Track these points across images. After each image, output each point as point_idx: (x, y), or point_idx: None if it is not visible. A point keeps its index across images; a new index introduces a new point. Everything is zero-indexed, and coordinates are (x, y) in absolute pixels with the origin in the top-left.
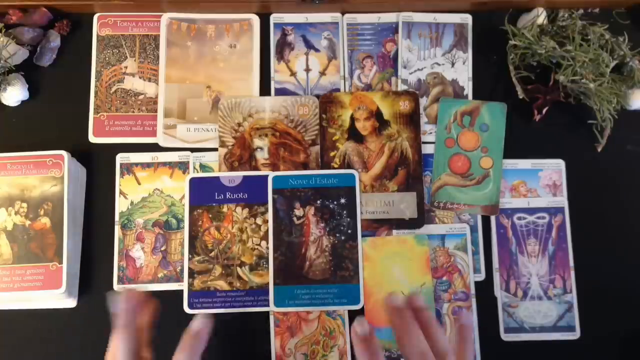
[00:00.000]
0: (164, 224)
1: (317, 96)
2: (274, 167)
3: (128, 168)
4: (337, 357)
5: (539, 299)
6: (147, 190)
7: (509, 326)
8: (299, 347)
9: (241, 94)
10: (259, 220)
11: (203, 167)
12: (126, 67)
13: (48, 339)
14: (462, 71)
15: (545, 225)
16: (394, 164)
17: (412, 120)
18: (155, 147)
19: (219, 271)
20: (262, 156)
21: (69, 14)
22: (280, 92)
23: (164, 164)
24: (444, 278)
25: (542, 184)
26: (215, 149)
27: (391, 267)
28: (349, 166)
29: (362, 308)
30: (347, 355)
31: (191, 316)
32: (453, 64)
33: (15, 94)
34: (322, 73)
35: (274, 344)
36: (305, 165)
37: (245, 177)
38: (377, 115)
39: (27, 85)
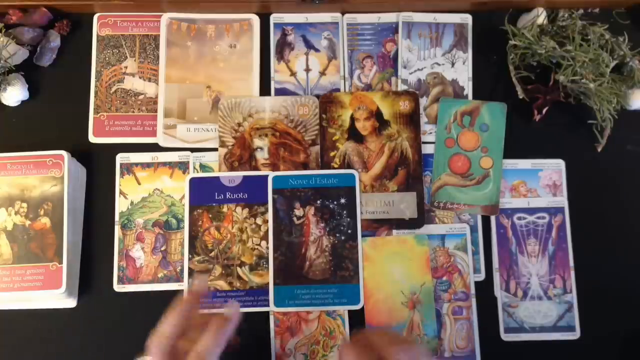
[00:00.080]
0: (164, 224)
1: (317, 96)
2: (274, 167)
3: (128, 168)
4: (337, 357)
5: (539, 299)
6: (147, 190)
7: (509, 326)
8: (299, 347)
9: (241, 94)
10: (259, 220)
11: (203, 167)
12: (126, 67)
13: (48, 339)
14: (462, 71)
15: (545, 225)
16: (394, 164)
17: (412, 120)
18: (155, 147)
19: (219, 271)
20: (262, 156)
21: (69, 14)
22: (280, 92)
23: (164, 164)
24: (444, 278)
25: (542, 184)
26: (215, 149)
27: (391, 267)
28: (349, 166)
29: (362, 308)
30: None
31: None
32: (453, 64)
33: (15, 94)
34: (322, 73)
35: (274, 344)
36: (305, 165)
37: (245, 177)
38: (377, 115)
39: (27, 85)
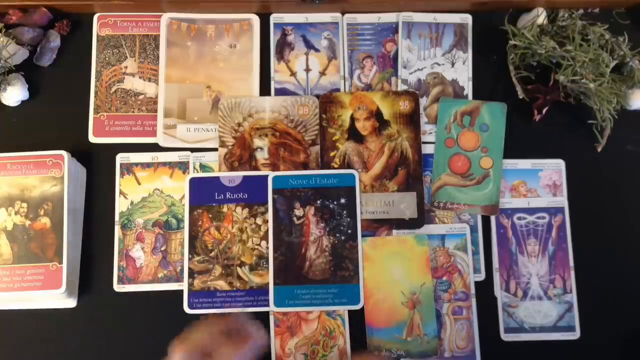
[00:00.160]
0: (164, 224)
1: (317, 96)
2: (274, 167)
3: (128, 168)
4: (337, 357)
5: (539, 299)
6: (147, 190)
7: (509, 326)
8: (299, 347)
9: (241, 94)
10: (259, 220)
11: (203, 167)
12: (126, 67)
13: (48, 339)
14: (462, 71)
15: (545, 225)
16: (394, 164)
17: (412, 120)
18: (155, 147)
19: (219, 271)
20: (262, 156)
21: (69, 14)
22: (280, 92)
23: (164, 164)
24: (444, 278)
25: (542, 184)
26: (215, 149)
27: (391, 267)
28: (349, 166)
29: (362, 308)
30: (347, 355)
31: (191, 316)
32: (453, 64)
33: (15, 94)
34: (322, 73)
35: (274, 344)
36: (305, 165)
37: (245, 177)
38: (377, 115)
39: (27, 85)
